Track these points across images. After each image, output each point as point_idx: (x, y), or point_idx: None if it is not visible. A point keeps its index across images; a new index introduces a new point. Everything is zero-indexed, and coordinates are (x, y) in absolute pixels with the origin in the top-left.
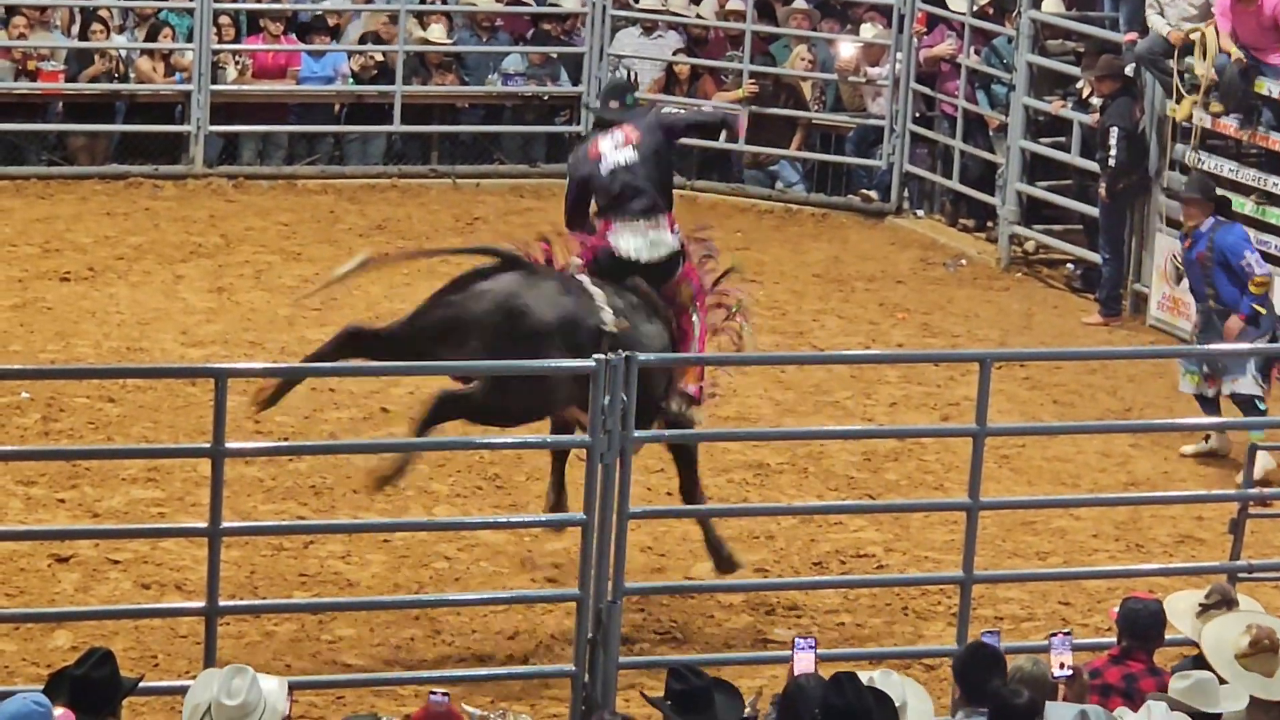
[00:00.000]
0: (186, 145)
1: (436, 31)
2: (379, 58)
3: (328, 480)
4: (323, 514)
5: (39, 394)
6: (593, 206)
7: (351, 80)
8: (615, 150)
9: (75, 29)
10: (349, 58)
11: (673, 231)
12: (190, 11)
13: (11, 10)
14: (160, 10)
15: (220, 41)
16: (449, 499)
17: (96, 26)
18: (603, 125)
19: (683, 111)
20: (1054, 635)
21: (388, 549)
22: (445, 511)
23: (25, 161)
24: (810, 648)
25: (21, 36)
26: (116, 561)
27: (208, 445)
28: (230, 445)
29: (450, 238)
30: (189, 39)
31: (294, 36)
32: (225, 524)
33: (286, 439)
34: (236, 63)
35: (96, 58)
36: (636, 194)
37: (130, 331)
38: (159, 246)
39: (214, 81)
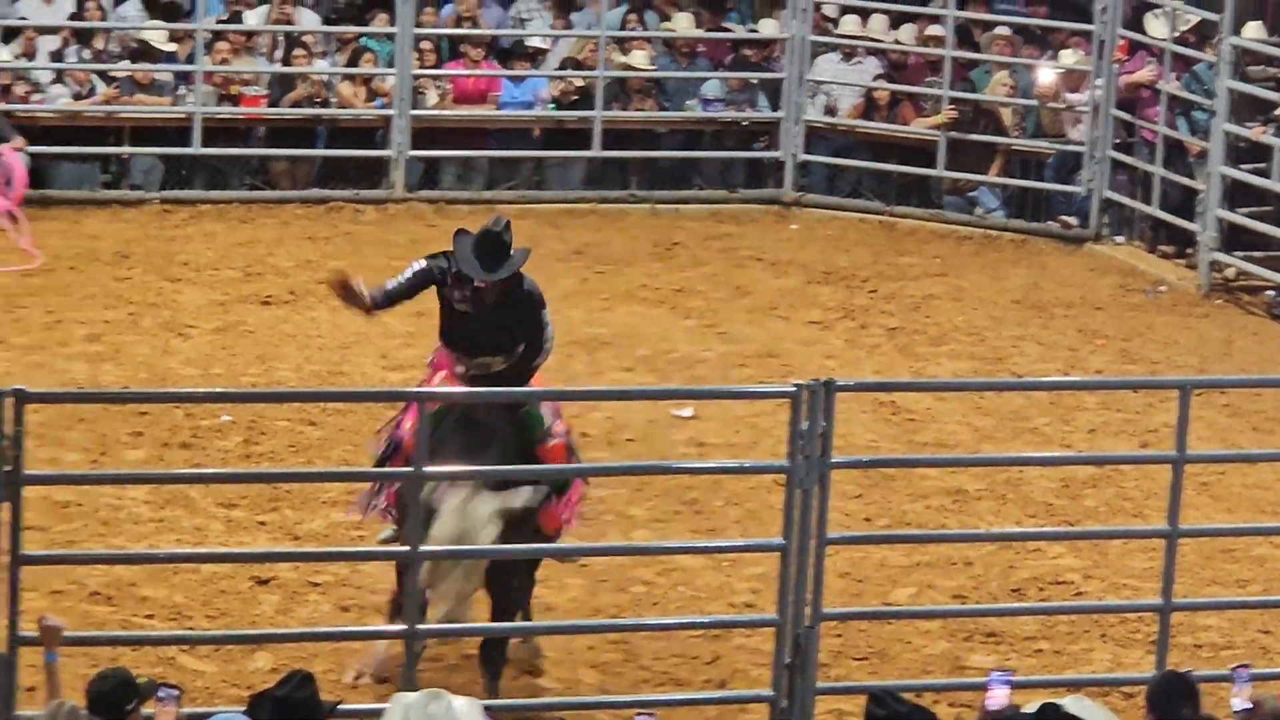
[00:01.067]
0: (387, 170)
1: (639, 58)
2: (579, 83)
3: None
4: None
5: (240, 417)
6: None
7: (552, 105)
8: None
9: (278, 54)
10: (549, 83)
11: None
12: (391, 37)
13: (217, 36)
14: (362, 36)
15: (421, 67)
16: (647, 523)
17: (299, 52)
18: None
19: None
20: (1236, 668)
21: (586, 573)
22: (643, 536)
23: (228, 186)
24: (1006, 681)
25: (225, 62)
26: (317, 584)
27: (412, 469)
28: (430, 469)
29: (649, 263)
30: (390, 64)
31: (495, 62)
32: (424, 547)
33: None
34: (437, 88)
35: (298, 83)
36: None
37: (331, 355)
38: (360, 270)
39: (415, 106)
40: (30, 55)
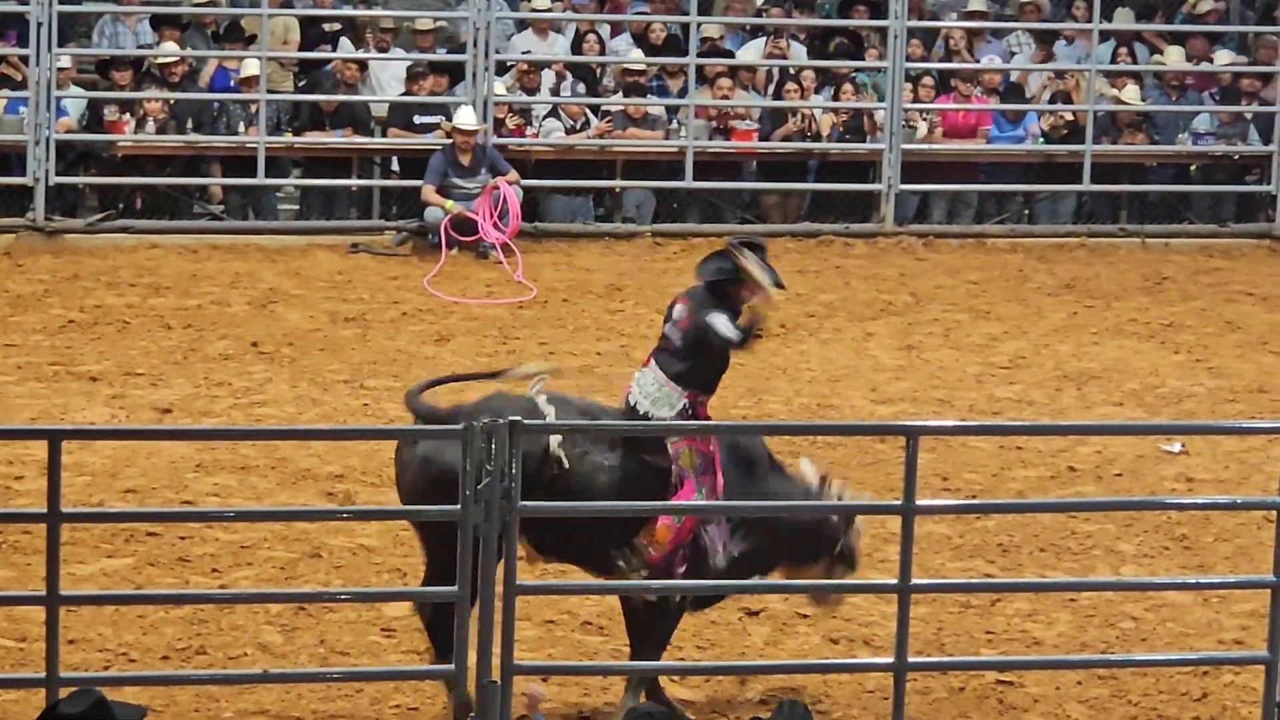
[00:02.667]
0: (878, 204)
1: (1130, 92)
2: (1069, 117)
3: (1015, 539)
4: (1010, 572)
5: None
6: None
7: (1042, 139)
8: (675, 321)
9: (770, 89)
10: (1039, 117)
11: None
12: (883, 71)
13: (717, 73)
14: (854, 72)
15: (914, 100)
16: (1136, 559)
17: (790, 86)
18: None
19: (723, 330)
20: None
21: (1074, 608)
22: (1132, 571)
23: (719, 219)
24: None
25: (725, 97)
26: (805, 616)
27: (899, 502)
28: (921, 503)
29: (1139, 297)
30: (880, 98)
31: (983, 96)
32: (914, 580)
33: (974, 497)
34: (925, 119)
35: (789, 117)
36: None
37: (821, 388)
38: (849, 304)
39: (905, 141)
40: (531, 90)
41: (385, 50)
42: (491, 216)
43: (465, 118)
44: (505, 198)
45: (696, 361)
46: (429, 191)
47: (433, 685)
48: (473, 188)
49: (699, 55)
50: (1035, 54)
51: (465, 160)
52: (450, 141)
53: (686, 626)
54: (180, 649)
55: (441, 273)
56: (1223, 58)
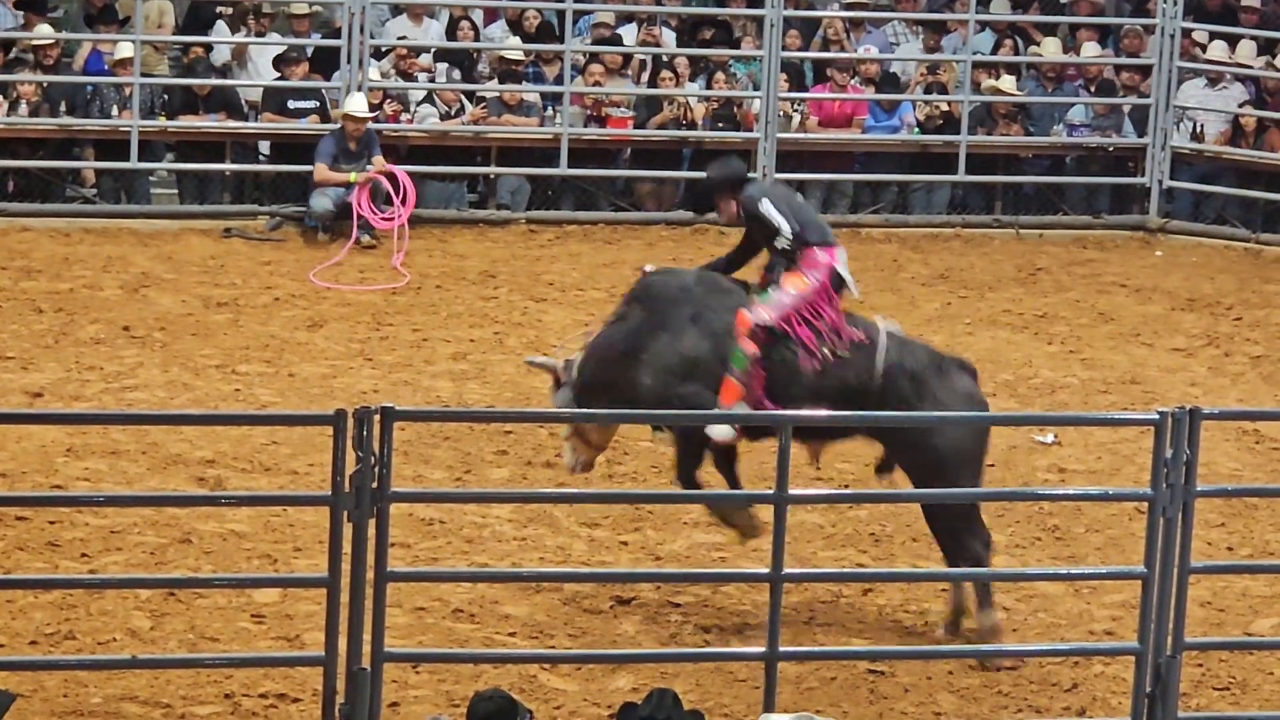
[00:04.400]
0: None
1: (1007, 82)
2: (944, 107)
3: (887, 528)
4: (882, 561)
5: None
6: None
7: (917, 130)
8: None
9: (645, 76)
10: (914, 107)
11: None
12: (757, 60)
13: (591, 58)
14: (729, 61)
15: (789, 90)
16: (1007, 549)
17: (665, 74)
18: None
19: None
20: None
21: (946, 598)
22: (1004, 562)
23: (594, 206)
24: None
25: (597, 84)
26: (678, 605)
27: (771, 492)
28: (793, 492)
29: (1013, 288)
30: (754, 87)
31: (860, 86)
32: (787, 570)
33: (847, 486)
34: (796, 110)
35: (664, 105)
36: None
37: None
38: None
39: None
40: (407, 75)
41: (262, 35)
42: (369, 204)
43: (357, 105)
44: (403, 183)
45: None
46: (323, 170)
47: (301, 671)
48: (354, 169)
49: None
50: (918, 44)
51: (353, 146)
52: (338, 126)
53: (557, 614)
54: (49, 634)
55: (314, 259)
56: (1090, 50)
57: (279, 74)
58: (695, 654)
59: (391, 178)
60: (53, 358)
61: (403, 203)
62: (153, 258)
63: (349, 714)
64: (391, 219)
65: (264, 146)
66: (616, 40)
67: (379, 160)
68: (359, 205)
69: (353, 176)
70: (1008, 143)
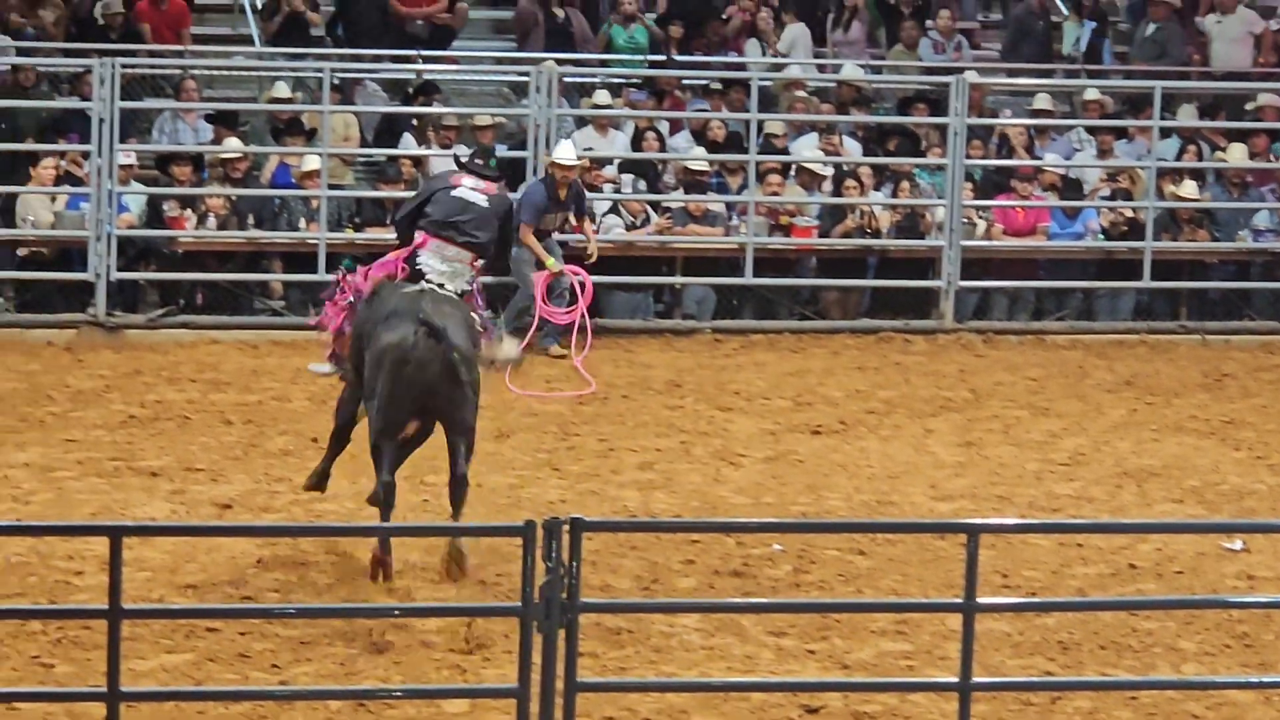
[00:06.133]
0: (937, 300)
1: (1189, 188)
2: (1129, 214)
3: (1075, 636)
4: (1070, 670)
5: (791, 546)
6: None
7: (1101, 236)
8: (471, 190)
9: (827, 185)
10: (1099, 214)
11: (470, 282)
12: (941, 169)
13: (769, 169)
14: (915, 169)
15: (973, 198)
16: (1197, 657)
17: (850, 183)
18: (468, 171)
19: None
20: None
21: (1135, 706)
22: (1193, 670)
23: (778, 315)
24: None
25: (774, 193)
26: (866, 713)
27: (959, 600)
28: (981, 600)
29: (1199, 394)
30: (939, 196)
31: (1043, 193)
32: (975, 679)
33: (1034, 594)
34: (982, 217)
35: (849, 214)
36: (464, 230)
37: (880, 485)
38: (909, 400)
39: (964, 237)
40: (593, 186)
41: (448, 147)
42: (546, 300)
43: (565, 153)
44: (584, 282)
45: (491, 234)
46: (527, 232)
47: None
48: (560, 223)
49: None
50: (1098, 150)
51: (562, 194)
52: (548, 176)
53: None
54: None
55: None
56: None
57: None
58: None
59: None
60: (242, 469)
61: (572, 302)
62: None
63: None
64: (571, 313)
65: None
66: (799, 151)
67: (588, 228)
68: (541, 303)
69: (550, 263)
70: (1193, 248)
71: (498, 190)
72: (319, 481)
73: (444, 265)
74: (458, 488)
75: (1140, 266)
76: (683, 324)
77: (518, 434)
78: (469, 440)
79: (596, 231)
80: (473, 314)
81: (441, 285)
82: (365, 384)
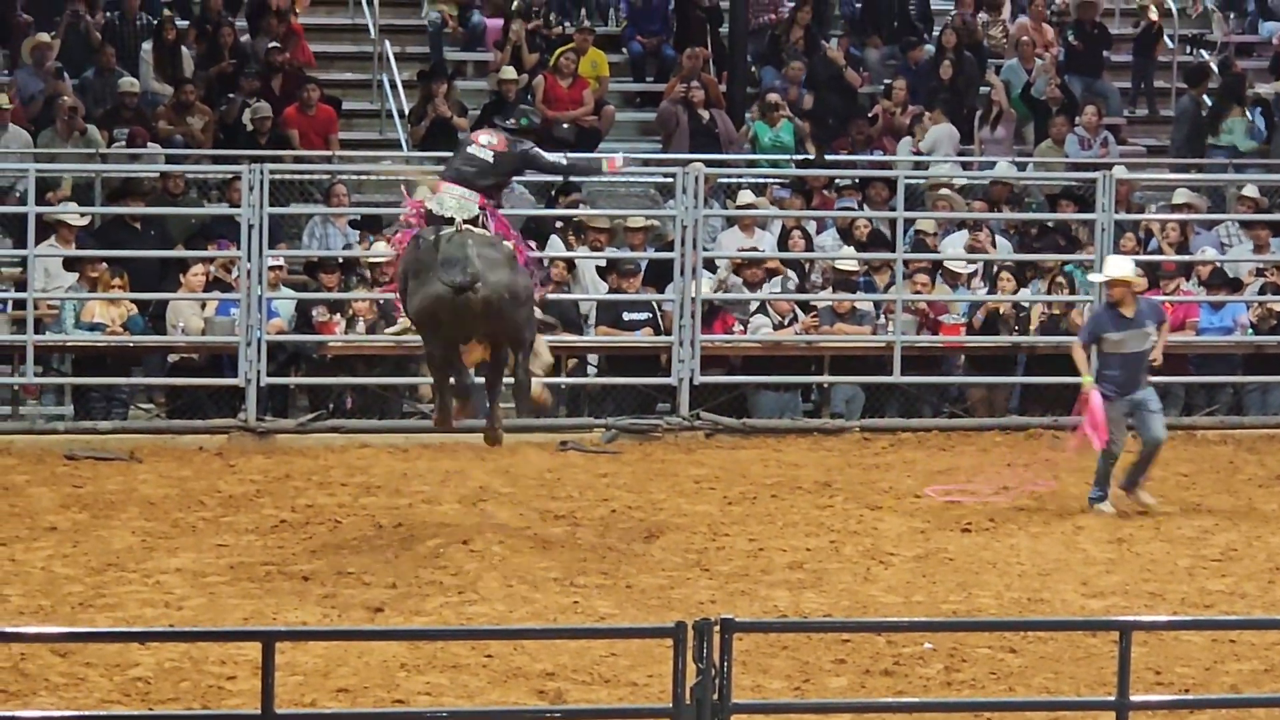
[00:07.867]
0: None
1: None
2: (1279, 308)
3: None
4: None
5: (942, 644)
6: None
7: (1251, 330)
8: (484, 145)
9: (976, 283)
10: (1248, 308)
11: (482, 207)
12: (1090, 263)
13: (918, 268)
14: (1066, 264)
15: None
16: None
17: (1004, 276)
18: (491, 126)
19: (551, 157)
20: None
21: None
22: None
23: (920, 413)
24: None
25: (918, 291)
26: None
27: (1112, 698)
28: (1135, 698)
29: None
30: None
31: (1192, 288)
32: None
33: (1188, 691)
34: None
35: (998, 311)
36: (469, 177)
37: (1031, 582)
38: (1059, 497)
39: None
40: (753, 285)
41: (599, 249)
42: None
43: (1119, 268)
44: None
45: (500, 181)
46: (1077, 349)
47: None
48: (1132, 339)
49: (907, 250)
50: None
51: (1128, 313)
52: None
53: None
54: None
55: (649, 471)
56: None
57: (613, 288)
58: None
59: None
60: (392, 572)
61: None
62: (490, 471)
63: None
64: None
65: (600, 360)
66: (948, 249)
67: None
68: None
69: (1087, 381)
70: None
71: (508, 144)
72: (444, 415)
73: (452, 201)
74: (518, 389)
75: None
76: (831, 423)
77: (667, 534)
78: (524, 349)
79: (744, 331)
80: (504, 243)
81: (463, 220)
82: (415, 326)
